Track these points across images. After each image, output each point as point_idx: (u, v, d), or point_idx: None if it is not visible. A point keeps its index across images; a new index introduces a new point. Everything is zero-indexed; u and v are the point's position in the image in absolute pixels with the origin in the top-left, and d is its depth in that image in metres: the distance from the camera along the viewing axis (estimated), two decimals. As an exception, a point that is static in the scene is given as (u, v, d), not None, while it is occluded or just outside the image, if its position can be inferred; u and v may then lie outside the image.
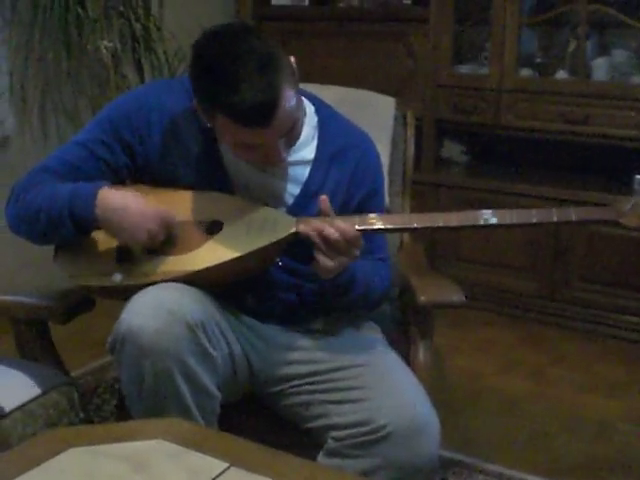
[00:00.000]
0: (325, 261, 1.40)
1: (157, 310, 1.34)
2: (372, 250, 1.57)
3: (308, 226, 1.41)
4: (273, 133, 1.37)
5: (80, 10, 2.89)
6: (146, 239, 1.42)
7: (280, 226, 1.46)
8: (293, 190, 1.54)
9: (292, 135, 1.45)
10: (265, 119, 1.34)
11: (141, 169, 1.55)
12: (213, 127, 1.44)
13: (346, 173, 1.56)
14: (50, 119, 3.10)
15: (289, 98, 1.36)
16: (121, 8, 3.00)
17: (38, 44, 2.94)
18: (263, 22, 3.73)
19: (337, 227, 1.38)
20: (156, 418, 1.35)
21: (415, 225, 1.47)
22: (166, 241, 1.46)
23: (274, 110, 1.33)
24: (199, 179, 1.52)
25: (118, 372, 1.42)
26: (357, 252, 1.42)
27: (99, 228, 1.47)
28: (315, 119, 1.56)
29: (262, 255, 1.46)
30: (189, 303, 1.37)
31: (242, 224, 1.47)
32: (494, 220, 1.44)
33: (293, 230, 1.45)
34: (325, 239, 1.38)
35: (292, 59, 1.42)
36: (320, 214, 1.42)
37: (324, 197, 1.42)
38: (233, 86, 1.31)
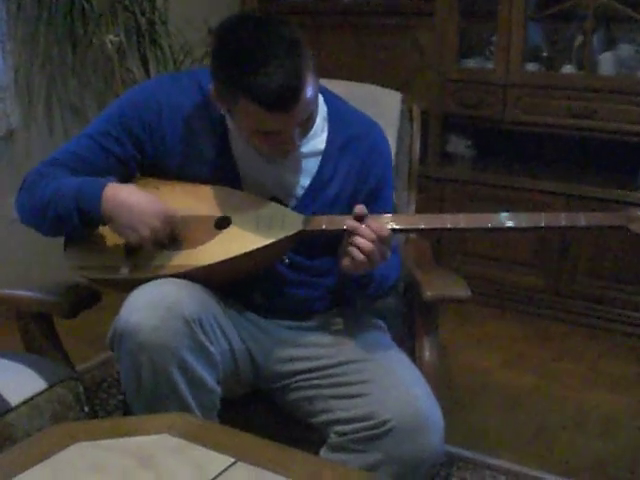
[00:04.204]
0: (361, 258, 1.39)
1: (155, 306, 1.35)
2: None
3: (334, 224, 1.42)
4: (293, 119, 1.37)
5: (85, 4, 2.89)
6: (148, 235, 1.42)
7: (288, 223, 1.46)
8: (303, 182, 1.54)
9: (307, 125, 1.44)
10: (288, 103, 1.33)
11: (151, 163, 1.55)
12: (230, 114, 1.43)
13: (356, 163, 1.56)
14: (55, 113, 3.10)
15: (311, 85, 1.36)
16: (126, 2, 3.00)
17: (43, 38, 2.94)
18: (268, 16, 3.72)
19: (370, 226, 1.38)
20: (161, 413, 1.35)
21: (422, 226, 1.47)
22: (174, 235, 1.46)
23: (298, 94, 1.33)
24: (209, 172, 1.52)
25: (118, 368, 1.43)
26: (388, 251, 1.42)
27: (105, 224, 1.47)
28: (325, 109, 1.56)
29: (270, 252, 1.46)
30: (187, 299, 1.37)
31: (251, 220, 1.47)
32: (505, 224, 1.43)
33: (301, 227, 1.45)
34: (363, 238, 1.38)
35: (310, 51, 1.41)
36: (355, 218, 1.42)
37: (361, 207, 1.41)
38: (259, 68, 1.31)
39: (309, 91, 1.36)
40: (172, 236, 1.46)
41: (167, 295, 1.36)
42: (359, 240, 1.38)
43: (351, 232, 1.40)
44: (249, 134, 1.43)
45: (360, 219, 1.40)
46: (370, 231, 1.38)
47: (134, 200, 1.43)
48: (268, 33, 1.33)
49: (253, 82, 1.32)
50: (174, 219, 1.45)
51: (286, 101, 1.33)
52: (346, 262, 1.41)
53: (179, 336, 1.34)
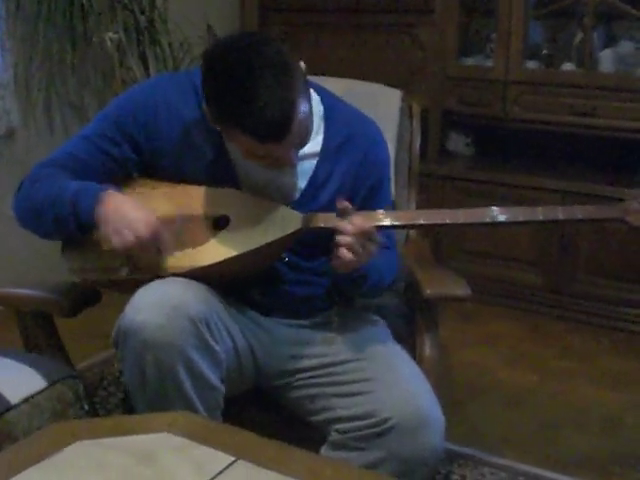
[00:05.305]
0: (345, 255, 1.38)
1: (160, 305, 1.35)
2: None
3: (328, 222, 1.41)
4: (288, 144, 1.37)
5: (85, 2, 2.88)
6: (133, 242, 1.39)
7: (287, 222, 1.45)
8: (300, 183, 1.53)
9: (304, 141, 1.44)
10: (281, 134, 1.33)
11: (148, 164, 1.54)
12: (225, 134, 1.43)
13: (354, 163, 1.55)
14: (55, 111, 3.10)
15: (303, 109, 1.35)
16: (126, 0, 2.99)
17: (42, 36, 2.93)
18: (269, 13, 3.71)
19: (353, 223, 1.37)
20: (162, 411, 1.35)
21: (422, 221, 1.47)
22: (174, 235, 1.46)
23: (290, 124, 1.33)
24: (206, 174, 1.51)
25: (121, 366, 1.43)
26: (374, 248, 1.41)
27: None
28: (321, 109, 1.55)
29: (268, 251, 1.46)
30: (192, 298, 1.37)
31: (249, 220, 1.46)
32: (501, 218, 1.43)
33: (300, 226, 1.44)
34: (345, 235, 1.37)
35: (302, 64, 1.39)
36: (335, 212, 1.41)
37: (342, 202, 1.40)
38: (250, 103, 1.30)
39: (302, 114, 1.35)
40: (175, 234, 1.45)
41: (173, 294, 1.36)
42: (340, 237, 1.37)
43: (335, 230, 1.39)
44: (244, 155, 1.42)
45: (344, 214, 1.39)
46: (351, 227, 1.37)
47: (127, 210, 1.41)
48: (256, 62, 1.31)
49: (245, 116, 1.31)
50: (161, 237, 1.43)
51: (279, 133, 1.33)
52: (333, 260, 1.41)
53: (185, 335, 1.34)
